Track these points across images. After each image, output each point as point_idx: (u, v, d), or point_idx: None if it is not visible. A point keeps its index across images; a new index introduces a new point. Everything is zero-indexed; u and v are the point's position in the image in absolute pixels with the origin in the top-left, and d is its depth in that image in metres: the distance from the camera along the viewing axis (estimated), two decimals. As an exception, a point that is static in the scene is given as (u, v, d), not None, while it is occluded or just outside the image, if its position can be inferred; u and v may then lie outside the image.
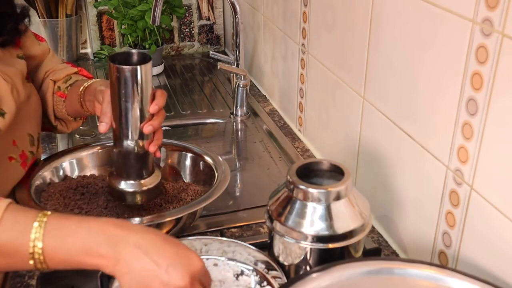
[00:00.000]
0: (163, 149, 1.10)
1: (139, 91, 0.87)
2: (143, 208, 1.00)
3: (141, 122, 0.90)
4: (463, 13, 0.75)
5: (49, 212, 0.65)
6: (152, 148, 0.93)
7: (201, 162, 1.07)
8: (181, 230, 0.94)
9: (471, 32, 0.74)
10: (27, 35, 1.03)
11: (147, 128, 0.90)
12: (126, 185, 0.94)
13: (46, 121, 1.07)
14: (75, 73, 1.09)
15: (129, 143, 0.91)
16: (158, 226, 0.89)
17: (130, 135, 0.90)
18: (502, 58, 0.70)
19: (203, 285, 0.68)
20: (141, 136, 0.91)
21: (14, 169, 0.93)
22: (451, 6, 0.78)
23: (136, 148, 0.92)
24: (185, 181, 1.08)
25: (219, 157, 1.06)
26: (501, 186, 0.73)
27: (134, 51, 0.90)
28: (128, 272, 0.63)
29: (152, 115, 0.91)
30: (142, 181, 0.95)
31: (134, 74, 0.86)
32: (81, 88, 1.01)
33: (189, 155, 1.09)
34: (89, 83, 1.01)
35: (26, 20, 0.99)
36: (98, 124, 0.93)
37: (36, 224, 0.63)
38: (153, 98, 0.91)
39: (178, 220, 0.91)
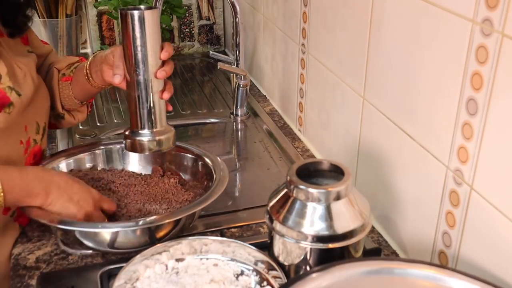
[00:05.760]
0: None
1: (149, 37, 0.90)
2: (142, 208, 1.00)
3: (153, 69, 0.91)
4: (463, 13, 0.75)
5: None
6: (166, 95, 0.94)
7: (200, 163, 1.07)
8: (180, 231, 0.94)
9: (471, 32, 0.74)
10: (33, 36, 1.07)
11: (161, 73, 0.92)
12: (140, 135, 0.95)
13: (52, 114, 1.09)
14: (77, 61, 1.13)
15: (142, 91, 0.92)
16: (158, 227, 0.89)
17: (144, 82, 0.92)
18: (502, 58, 0.70)
19: (108, 209, 0.95)
20: (154, 84, 0.92)
21: (18, 152, 0.96)
22: (451, 6, 0.78)
23: (150, 96, 0.93)
24: (185, 181, 1.08)
25: (218, 158, 1.06)
26: (501, 186, 0.73)
27: (142, 6, 0.92)
28: (55, 204, 0.89)
29: (163, 63, 0.93)
30: (155, 130, 0.95)
31: (143, 18, 0.88)
32: (88, 62, 1.04)
33: (188, 155, 1.09)
34: (94, 56, 1.04)
35: (29, 10, 1.01)
36: (112, 77, 0.95)
37: None
38: (162, 48, 0.93)
39: (177, 221, 0.91)
